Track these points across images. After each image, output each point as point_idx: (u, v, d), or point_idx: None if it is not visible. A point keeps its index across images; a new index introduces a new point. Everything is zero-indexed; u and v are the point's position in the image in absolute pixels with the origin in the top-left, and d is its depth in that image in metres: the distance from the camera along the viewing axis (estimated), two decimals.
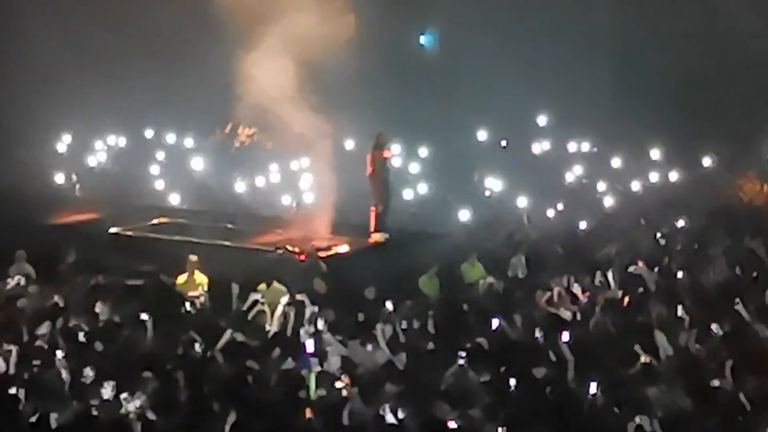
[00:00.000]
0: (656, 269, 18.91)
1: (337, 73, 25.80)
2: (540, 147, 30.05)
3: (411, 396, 13.26)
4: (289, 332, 15.92)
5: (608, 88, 28.47)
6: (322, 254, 20.24)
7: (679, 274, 18.49)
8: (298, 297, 16.95)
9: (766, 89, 28.14)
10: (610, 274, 18.19)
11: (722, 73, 28.73)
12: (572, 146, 29.72)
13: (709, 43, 28.76)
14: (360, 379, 13.89)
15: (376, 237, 21.96)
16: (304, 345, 14.93)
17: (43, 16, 28.85)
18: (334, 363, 14.62)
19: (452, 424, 12.59)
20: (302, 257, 20.10)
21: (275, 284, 17.95)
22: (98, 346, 15.24)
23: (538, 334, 15.44)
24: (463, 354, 14.32)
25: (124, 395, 13.10)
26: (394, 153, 23.93)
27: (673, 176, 27.28)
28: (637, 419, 12.43)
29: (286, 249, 20.21)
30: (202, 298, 17.86)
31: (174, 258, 19.61)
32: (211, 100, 27.82)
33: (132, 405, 12.95)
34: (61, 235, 21.47)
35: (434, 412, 12.93)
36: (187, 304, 17.27)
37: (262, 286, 17.85)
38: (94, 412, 12.88)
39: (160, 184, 27.04)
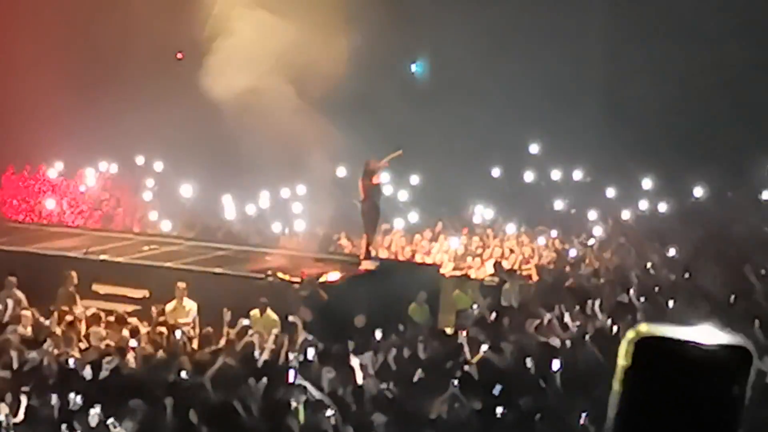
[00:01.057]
0: (646, 298, 18.93)
1: (328, 100, 25.79)
2: (531, 175, 30.13)
3: (400, 425, 13.25)
4: (281, 360, 15.89)
5: (600, 117, 28.55)
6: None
7: (670, 303, 18.51)
8: (290, 320, 17.00)
9: (759, 120, 28.21)
10: (599, 303, 18.20)
11: (715, 102, 28.78)
12: (564, 175, 29.80)
13: (701, 70, 28.82)
14: (349, 408, 13.88)
15: (367, 265, 21.94)
16: (293, 373, 14.91)
17: (35, 43, 28.85)
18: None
19: None
20: (302, 277, 20.03)
21: (268, 312, 18.01)
22: (87, 372, 15.21)
23: (528, 362, 15.44)
24: (454, 382, 14.31)
25: (110, 420, 13.07)
26: (384, 180, 23.90)
27: (664, 205, 27.35)
28: None
29: (276, 276, 20.18)
30: (191, 326, 17.84)
31: (164, 285, 19.60)
32: (198, 126, 27.87)
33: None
34: (51, 261, 21.41)
35: None
36: (177, 332, 17.23)
37: (255, 313, 17.89)
38: None
39: (150, 211, 27.07)
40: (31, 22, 28.84)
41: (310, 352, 15.73)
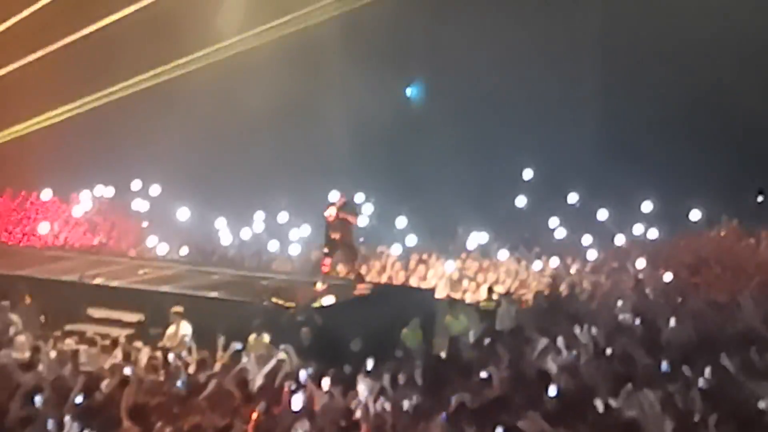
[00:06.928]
0: (641, 322, 18.90)
1: (323, 124, 25.80)
2: (525, 200, 30.10)
3: None
4: (276, 384, 15.84)
5: (595, 142, 28.52)
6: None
7: (665, 327, 18.48)
8: (283, 348, 16.99)
9: (756, 144, 28.13)
10: (595, 328, 18.16)
11: (711, 126, 28.71)
12: (558, 199, 29.77)
13: (697, 95, 28.75)
14: None
15: (361, 289, 21.92)
16: (297, 399, 14.86)
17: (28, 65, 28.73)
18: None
19: None
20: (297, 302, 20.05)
21: (263, 336, 18.07)
22: (80, 397, 15.16)
23: (523, 387, 15.40)
24: (449, 409, 14.28)
25: None
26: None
27: (660, 230, 27.34)
28: None
29: (272, 301, 20.16)
30: (185, 350, 17.85)
31: (159, 309, 19.60)
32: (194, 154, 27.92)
33: None
34: (44, 285, 21.37)
35: None
36: (170, 356, 17.20)
37: (251, 338, 17.98)
38: None
39: (146, 235, 27.07)
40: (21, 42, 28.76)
41: (305, 376, 15.71)
